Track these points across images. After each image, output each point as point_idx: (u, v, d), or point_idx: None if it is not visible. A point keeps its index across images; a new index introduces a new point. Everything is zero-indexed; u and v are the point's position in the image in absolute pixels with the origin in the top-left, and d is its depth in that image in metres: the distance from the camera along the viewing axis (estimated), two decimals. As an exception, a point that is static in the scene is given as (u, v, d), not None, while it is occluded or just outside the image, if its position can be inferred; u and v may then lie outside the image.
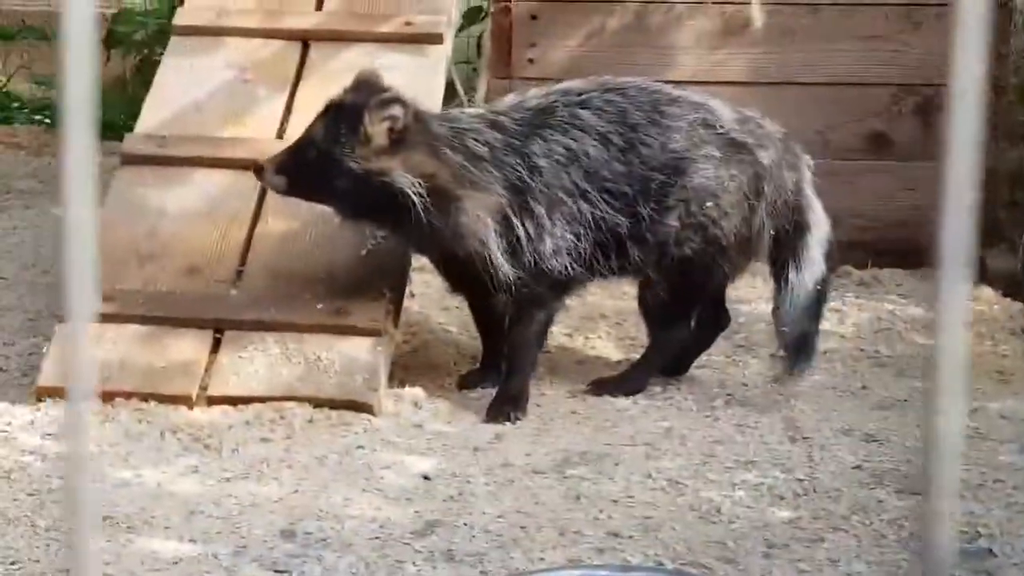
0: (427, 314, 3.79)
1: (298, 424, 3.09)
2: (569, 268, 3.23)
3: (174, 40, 3.84)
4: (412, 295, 3.74)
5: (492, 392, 3.30)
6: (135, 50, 5.67)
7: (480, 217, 3.17)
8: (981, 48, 0.88)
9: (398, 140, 3.15)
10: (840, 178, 4.17)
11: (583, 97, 3.31)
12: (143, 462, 2.93)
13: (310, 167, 3.17)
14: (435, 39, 3.79)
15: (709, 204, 3.27)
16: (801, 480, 2.89)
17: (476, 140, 3.22)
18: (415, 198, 3.13)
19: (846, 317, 3.82)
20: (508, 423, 3.19)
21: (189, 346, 3.24)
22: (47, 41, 5.56)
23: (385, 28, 3.82)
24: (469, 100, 4.36)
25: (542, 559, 2.55)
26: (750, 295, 3.82)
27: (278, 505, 2.76)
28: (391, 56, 3.75)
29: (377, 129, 3.14)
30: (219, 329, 3.28)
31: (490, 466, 2.95)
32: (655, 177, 3.25)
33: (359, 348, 3.24)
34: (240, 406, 3.14)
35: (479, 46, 4.63)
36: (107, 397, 3.15)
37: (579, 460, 2.98)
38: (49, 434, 3.02)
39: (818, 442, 3.09)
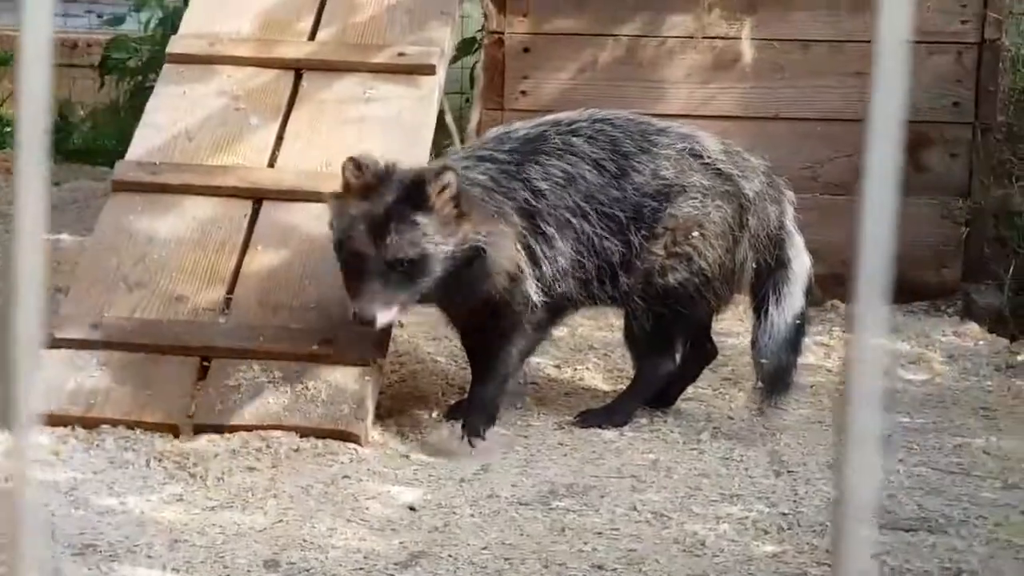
0: (416, 344, 3.80)
1: (284, 453, 3.09)
2: (571, 291, 3.25)
3: (167, 68, 3.86)
4: (401, 324, 3.74)
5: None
6: (129, 76, 5.69)
7: (511, 248, 3.18)
8: (901, 85, 0.89)
9: (457, 203, 3.09)
10: (829, 212, 4.20)
11: (573, 126, 3.34)
12: (128, 490, 2.92)
13: (404, 277, 3.06)
14: (428, 70, 3.81)
15: (695, 234, 3.29)
16: (786, 514, 2.90)
17: (479, 175, 3.23)
18: (486, 248, 3.10)
19: (832, 351, 3.83)
20: (479, 439, 3.19)
21: (176, 374, 3.25)
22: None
23: (378, 59, 3.84)
24: (460, 131, 4.39)
25: (525, 591, 2.55)
26: (737, 328, 3.83)
27: (263, 535, 2.76)
28: (383, 87, 3.77)
29: (441, 202, 3.07)
30: (206, 357, 3.28)
31: (476, 497, 2.95)
32: (647, 204, 3.28)
33: (346, 377, 3.24)
34: (226, 434, 3.14)
35: (471, 77, 4.65)
36: (93, 424, 3.15)
37: (565, 492, 2.99)
38: None
39: (803, 476, 3.10)
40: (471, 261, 3.11)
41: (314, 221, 3.48)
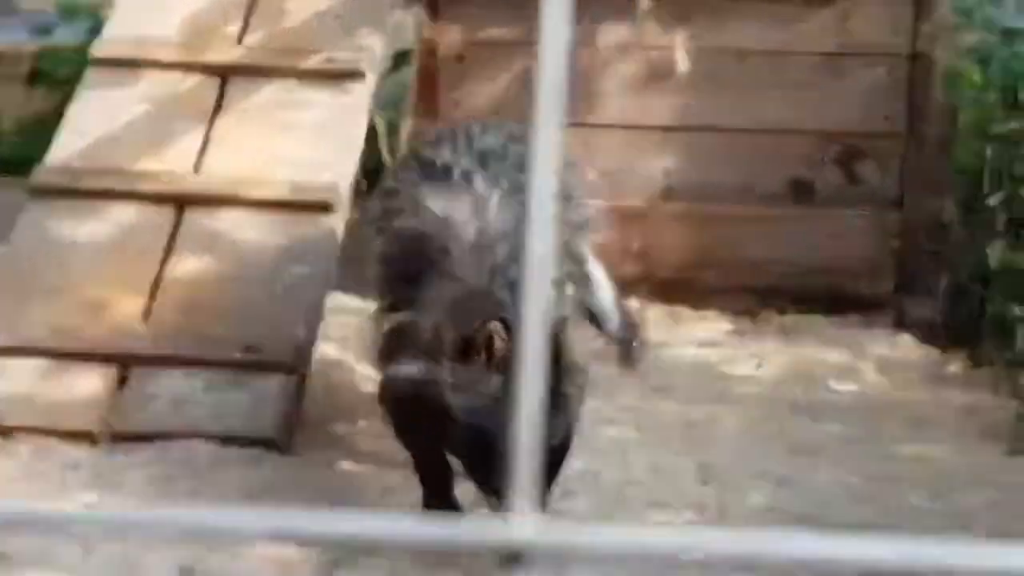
0: (342, 354, 3.74)
1: (205, 462, 3.03)
2: None
3: (90, 72, 3.78)
4: (329, 338, 3.69)
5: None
6: (59, 87, 5.61)
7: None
8: (559, 113, 0.87)
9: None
10: (764, 224, 4.18)
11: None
12: (42, 499, 2.86)
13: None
14: (357, 76, 3.76)
15: None
16: (713, 523, 2.87)
17: None
18: None
19: (764, 362, 3.81)
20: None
21: (94, 381, 3.18)
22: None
23: (307, 64, 3.78)
24: (390, 142, 4.34)
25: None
26: (669, 339, 3.81)
27: (179, 543, 2.69)
28: (311, 93, 3.72)
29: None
30: (125, 364, 3.22)
31: (399, 505, 2.91)
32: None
33: (270, 385, 3.18)
34: (145, 443, 3.08)
35: (406, 87, 4.60)
36: (7, 432, 3.09)
37: (489, 501, 2.94)
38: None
39: (731, 484, 3.08)
40: None
41: (239, 227, 3.43)
